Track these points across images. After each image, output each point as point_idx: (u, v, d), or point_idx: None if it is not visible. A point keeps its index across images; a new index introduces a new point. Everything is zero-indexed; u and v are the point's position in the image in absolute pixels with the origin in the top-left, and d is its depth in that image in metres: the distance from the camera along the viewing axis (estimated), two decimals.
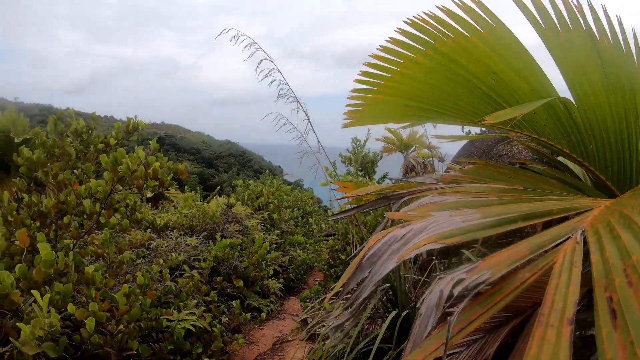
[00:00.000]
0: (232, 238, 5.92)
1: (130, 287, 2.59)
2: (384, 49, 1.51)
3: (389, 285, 2.64)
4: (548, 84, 1.47)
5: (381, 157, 8.43)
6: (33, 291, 1.71)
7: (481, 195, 1.24)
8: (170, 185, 3.81)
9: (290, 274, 6.55)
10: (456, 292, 0.88)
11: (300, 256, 6.90)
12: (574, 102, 1.46)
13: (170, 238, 5.73)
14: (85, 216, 3.06)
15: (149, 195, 9.69)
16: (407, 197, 1.48)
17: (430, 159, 9.53)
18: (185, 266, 4.97)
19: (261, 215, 7.59)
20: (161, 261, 4.27)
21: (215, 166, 65.29)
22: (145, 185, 3.04)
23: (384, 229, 1.49)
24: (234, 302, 4.20)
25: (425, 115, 1.63)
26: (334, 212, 5.70)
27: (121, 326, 2.32)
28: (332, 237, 13.99)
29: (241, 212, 7.26)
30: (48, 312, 1.72)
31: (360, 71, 1.59)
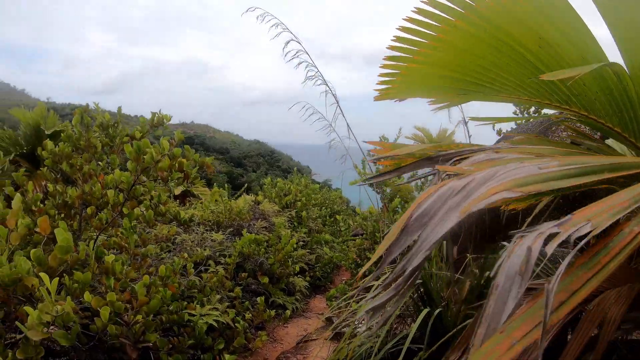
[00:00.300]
0: (258, 234, 5.85)
1: (151, 279, 2.52)
2: (419, 10, 1.36)
3: (420, 281, 2.50)
4: (599, 51, 1.28)
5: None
6: (41, 274, 1.64)
7: (544, 156, 1.05)
8: (196, 180, 3.74)
9: (317, 272, 6.44)
10: (550, 250, 0.68)
11: (327, 254, 6.79)
12: (627, 70, 1.27)
13: (197, 233, 5.69)
14: (109, 207, 3.01)
15: (177, 192, 9.76)
16: (455, 158, 1.24)
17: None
18: (210, 261, 4.91)
19: (288, 213, 7.51)
20: (186, 255, 4.22)
21: (244, 165, 65.74)
22: (170, 178, 2.97)
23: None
24: (258, 299, 4.11)
25: (464, 88, 1.47)
26: (367, 177, 5.53)
27: (139, 317, 2.24)
28: (360, 236, 13.84)
29: (268, 209, 7.19)
30: (58, 299, 1.65)
31: (394, 36, 1.44)
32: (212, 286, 4.10)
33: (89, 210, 3.17)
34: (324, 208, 9.44)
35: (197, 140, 75.23)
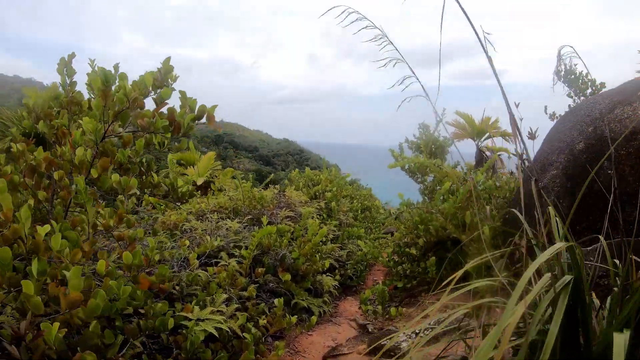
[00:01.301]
0: (280, 224, 5.02)
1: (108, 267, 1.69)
2: None
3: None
4: None
5: (452, 142, 7.27)
6: None
7: None
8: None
9: (348, 271, 5.55)
10: None
11: (361, 249, 5.89)
12: None
13: (210, 221, 4.89)
14: (72, 168, 2.21)
15: (199, 182, 8.79)
16: None
17: (501, 153, 8.27)
18: (222, 253, 4.09)
19: (317, 204, 6.65)
20: (187, 242, 3.41)
21: (273, 164, 65.34)
22: (153, 128, 2.15)
23: None
24: (276, 301, 3.25)
25: None
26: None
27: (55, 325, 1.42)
28: (392, 234, 12.80)
29: (295, 198, 6.35)
30: None
31: None
32: (221, 282, 3.27)
33: (55, 175, 2.37)
34: (355, 201, 8.56)
35: (226, 138, 75.09)
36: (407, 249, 4.80)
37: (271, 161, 66.12)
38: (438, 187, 5.90)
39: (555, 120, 6.69)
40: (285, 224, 5.03)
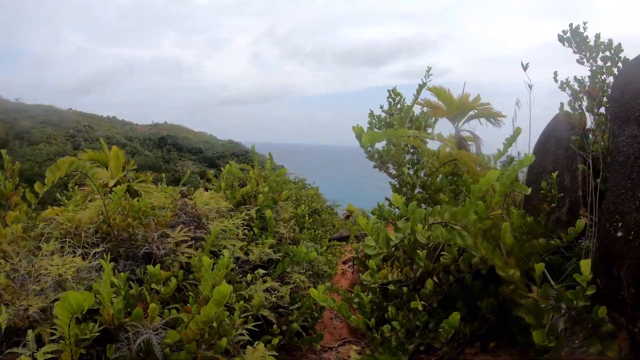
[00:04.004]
0: (171, 256, 2.73)
1: None
2: None
3: None
4: None
5: (435, 120, 5.24)
6: None
7: None
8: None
9: (294, 324, 3.26)
10: None
11: (308, 290, 3.65)
12: None
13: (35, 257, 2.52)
14: None
15: (111, 184, 6.13)
16: None
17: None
18: (30, 332, 1.77)
19: (245, 213, 4.36)
20: None
21: (218, 166, 62.25)
22: None
23: None
24: None
25: None
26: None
27: None
28: (346, 240, 10.38)
29: (209, 206, 4.01)
30: None
31: None
32: None
33: None
34: (302, 204, 6.35)
35: (170, 140, 71.30)
36: (399, 298, 2.65)
37: (216, 163, 62.87)
38: (419, 177, 3.84)
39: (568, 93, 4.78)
40: (177, 257, 2.74)
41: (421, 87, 4.15)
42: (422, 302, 2.22)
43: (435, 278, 2.23)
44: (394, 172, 3.86)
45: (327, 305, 2.19)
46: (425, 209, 2.97)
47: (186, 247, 3.05)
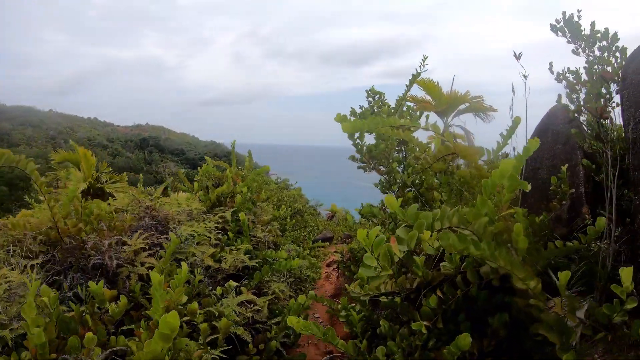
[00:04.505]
0: (128, 267, 2.30)
1: None
2: None
3: None
4: None
5: (421, 114, 4.87)
6: None
7: None
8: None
9: (273, 342, 2.84)
10: None
11: (287, 296, 3.23)
12: None
13: None
14: None
15: (82, 187, 5.49)
16: None
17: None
18: None
19: (220, 215, 3.94)
20: None
21: (200, 167, 61.48)
22: None
23: None
24: None
25: None
26: None
27: None
28: (330, 241, 9.95)
29: (181, 208, 3.58)
30: None
31: None
32: None
33: None
34: (283, 206, 5.94)
35: (152, 142, 70.08)
36: (392, 307, 2.26)
37: (198, 164, 61.95)
38: (407, 173, 3.50)
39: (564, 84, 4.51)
40: (135, 268, 2.31)
41: (415, 76, 3.76)
42: (424, 323, 1.83)
43: (438, 292, 1.84)
44: (382, 168, 3.48)
45: (308, 333, 1.78)
46: (425, 210, 2.60)
47: (147, 256, 2.62)
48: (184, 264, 1.83)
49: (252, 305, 2.76)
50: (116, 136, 73.06)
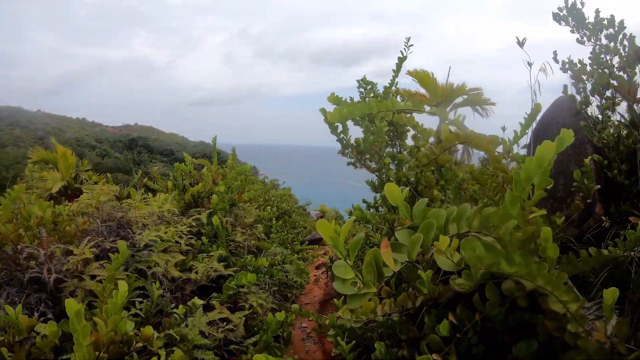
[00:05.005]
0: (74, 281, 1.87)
1: None
2: None
3: None
4: None
5: (421, 106, 4.47)
6: None
7: None
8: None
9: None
10: None
11: (267, 310, 2.82)
12: None
13: None
14: None
15: (55, 189, 5.12)
16: None
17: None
18: None
19: (194, 217, 3.51)
20: None
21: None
22: None
23: None
24: None
25: None
26: None
27: None
28: (319, 242, 9.60)
29: (150, 210, 3.14)
30: None
31: None
32: None
33: None
34: (268, 207, 5.52)
35: (140, 142, 69.14)
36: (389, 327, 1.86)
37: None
38: (409, 167, 3.15)
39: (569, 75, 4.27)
40: (83, 282, 1.89)
41: (401, 60, 3.34)
42: (434, 358, 1.43)
43: (451, 317, 1.44)
44: (373, 165, 3.08)
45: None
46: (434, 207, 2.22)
47: (98, 268, 2.19)
48: (121, 284, 1.40)
49: (226, 323, 2.34)
50: (105, 137, 72.02)
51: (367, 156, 3.12)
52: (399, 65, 3.57)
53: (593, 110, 4.28)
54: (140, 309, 2.10)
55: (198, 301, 2.10)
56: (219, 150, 5.09)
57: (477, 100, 5.45)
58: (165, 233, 2.77)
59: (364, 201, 4.58)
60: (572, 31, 4.81)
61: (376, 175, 3.23)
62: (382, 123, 3.16)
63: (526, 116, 2.24)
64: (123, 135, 73.91)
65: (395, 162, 3.33)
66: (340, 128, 2.85)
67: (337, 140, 2.82)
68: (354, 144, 2.94)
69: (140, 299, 2.22)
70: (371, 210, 4.50)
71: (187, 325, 2.08)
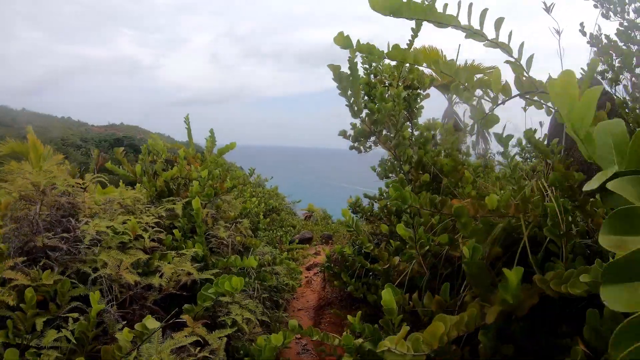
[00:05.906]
0: None
1: None
2: None
3: None
4: None
5: (430, 82, 3.86)
6: None
7: None
8: None
9: None
10: None
11: (253, 327, 2.15)
12: None
13: None
14: None
15: None
16: None
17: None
18: None
19: (165, 207, 2.81)
20: None
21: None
22: None
23: None
24: None
25: None
26: None
27: None
28: (309, 242, 9.15)
29: (108, 197, 2.44)
30: None
31: None
32: None
33: None
34: (254, 199, 4.85)
35: (126, 142, 67.60)
36: None
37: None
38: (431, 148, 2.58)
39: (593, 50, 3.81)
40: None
41: (418, 25, 2.69)
42: None
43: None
44: (390, 139, 2.41)
45: None
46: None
47: (16, 269, 1.49)
48: None
49: (200, 349, 1.65)
50: (90, 136, 70.26)
51: (382, 127, 2.47)
52: (415, 30, 2.90)
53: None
54: (73, 331, 1.41)
55: (152, 323, 1.39)
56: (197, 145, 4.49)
57: (494, 79, 4.90)
58: (124, 224, 2.08)
59: (365, 195, 3.90)
60: (595, 6, 4.23)
61: (391, 153, 2.59)
62: (399, 87, 2.50)
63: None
64: (108, 134, 72.15)
65: (413, 138, 2.70)
66: (349, 93, 2.19)
67: (346, 105, 2.16)
68: (368, 111, 2.29)
69: (76, 315, 1.53)
70: (375, 203, 3.84)
71: (141, 355, 1.39)
